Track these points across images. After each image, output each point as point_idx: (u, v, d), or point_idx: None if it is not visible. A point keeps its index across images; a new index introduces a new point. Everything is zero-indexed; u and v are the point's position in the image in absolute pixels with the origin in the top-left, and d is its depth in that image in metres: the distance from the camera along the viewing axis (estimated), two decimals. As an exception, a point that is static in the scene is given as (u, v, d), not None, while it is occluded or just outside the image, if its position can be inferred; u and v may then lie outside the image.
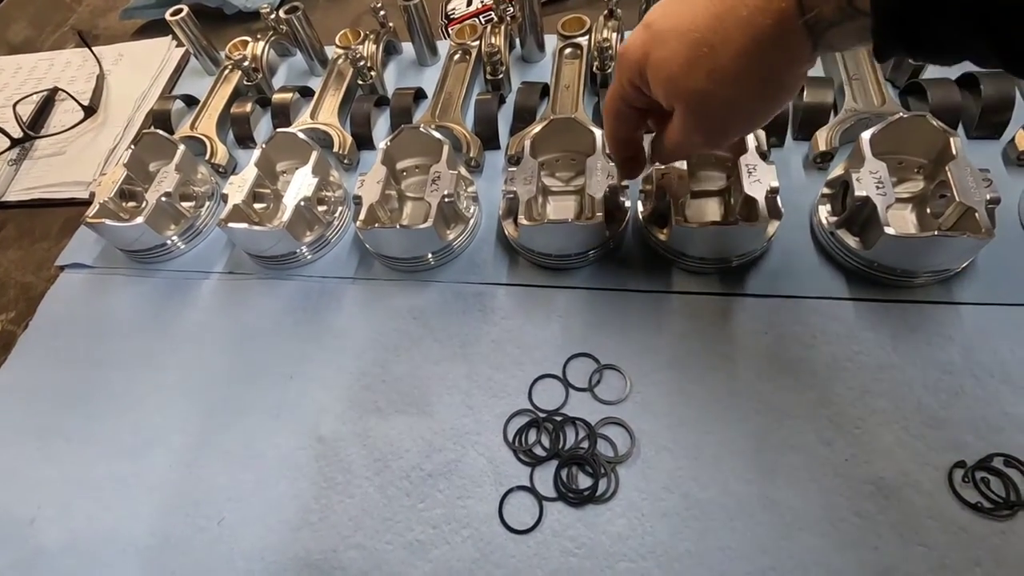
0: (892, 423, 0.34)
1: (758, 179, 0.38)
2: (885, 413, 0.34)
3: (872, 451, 0.33)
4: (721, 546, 0.32)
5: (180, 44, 0.68)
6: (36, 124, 0.64)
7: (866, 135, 0.39)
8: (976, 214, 0.34)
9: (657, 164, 0.41)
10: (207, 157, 0.55)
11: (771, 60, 0.26)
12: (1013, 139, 0.42)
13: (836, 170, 0.41)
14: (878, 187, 0.36)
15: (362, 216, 0.42)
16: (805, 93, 0.46)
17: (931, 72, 0.46)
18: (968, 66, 0.47)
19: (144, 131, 0.52)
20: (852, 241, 0.39)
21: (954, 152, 0.37)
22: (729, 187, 0.42)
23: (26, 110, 0.64)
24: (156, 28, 0.73)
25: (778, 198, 0.38)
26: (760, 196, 0.37)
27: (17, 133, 0.62)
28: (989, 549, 0.30)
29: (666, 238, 0.40)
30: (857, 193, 0.37)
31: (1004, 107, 0.42)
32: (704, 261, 0.40)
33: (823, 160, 0.44)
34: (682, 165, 0.41)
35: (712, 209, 0.43)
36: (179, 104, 0.61)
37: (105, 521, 0.38)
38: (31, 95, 0.66)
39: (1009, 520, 0.30)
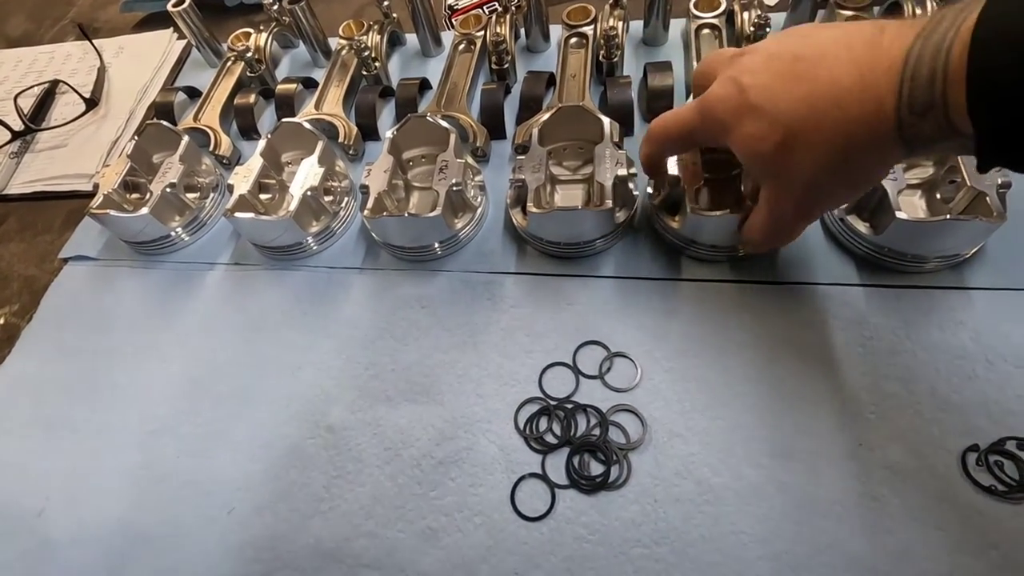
0: (905, 408, 0.34)
1: None
2: (898, 398, 0.34)
3: (886, 436, 0.33)
4: (735, 531, 0.32)
5: (181, 36, 0.68)
6: (37, 117, 0.64)
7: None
8: (987, 198, 0.34)
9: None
10: (211, 148, 0.54)
11: (862, 161, 0.27)
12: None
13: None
14: (889, 172, 0.36)
15: (370, 205, 0.42)
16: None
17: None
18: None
19: (148, 122, 0.52)
20: (862, 227, 0.38)
21: (965, 137, 0.37)
22: (740, 174, 0.42)
23: (27, 103, 0.64)
24: (157, 21, 0.73)
25: None
26: None
27: (18, 126, 0.61)
28: (1004, 532, 0.30)
29: (678, 226, 0.40)
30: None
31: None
32: (716, 249, 0.40)
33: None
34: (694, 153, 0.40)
35: (724, 197, 0.42)
36: (181, 96, 0.61)
37: (113, 512, 0.38)
38: (32, 87, 0.66)
39: (1023, 503, 0.30)
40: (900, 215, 0.35)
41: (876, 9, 0.50)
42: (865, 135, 0.25)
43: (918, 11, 0.46)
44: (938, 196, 0.39)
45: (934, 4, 0.45)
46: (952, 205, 0.37)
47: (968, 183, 0.35)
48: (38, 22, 0.81)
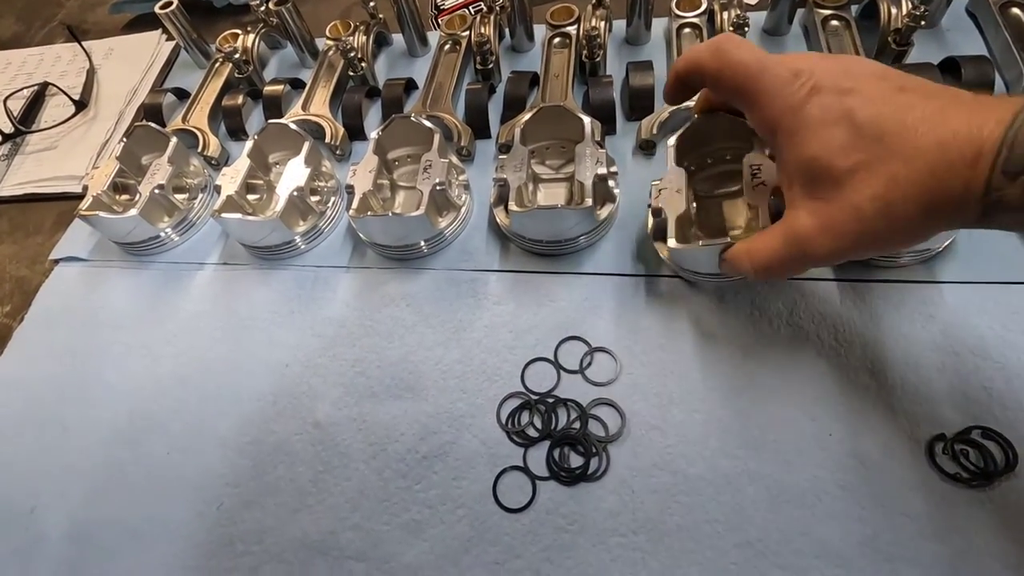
0: (875, 399, 0.35)
1: (763, 181, 0.36)
2: (868, 389, 0.35)
3: (855, 426, 0.34)
4: (709, 519, 0.33)
5: (170, 38, 0.68)
6: (27, 119, 0.64)
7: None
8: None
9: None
10: (199, 149, 0.55)
11: (936, 213, 0.25)
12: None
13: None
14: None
15: (355, 205, 0.43)
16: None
17: (914, 56, 0.47)
18: (950, 50, 0.48)
19: (136, 124, 0.52)
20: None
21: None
22: (723, 198, 0.41)
23: (17, 105, 0.64)
24: (146, 22, 0.73)
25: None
26: (763, 203, 0.35)
27: (8, 128, 0.62)
28: (967, 517, 0.31)
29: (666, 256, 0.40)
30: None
31: (984, 90, 0.43)
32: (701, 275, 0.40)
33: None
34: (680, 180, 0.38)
35: (708, 222, 0.41)
36: (170, 97, 0.62)
37: (104, 508, 0.39)
38: (21, 90, 0.66)
39: (986, 489, 0.31)
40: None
41: (854, 8, 0.51)
42: (954, 186, 0.24)
43: (893, 10, 0.47)
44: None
45: (910, 4, 0.46)
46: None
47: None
48: (28, 23, 0.81)
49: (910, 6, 0.46)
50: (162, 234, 0.50)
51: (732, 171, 0.41)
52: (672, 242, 0.36)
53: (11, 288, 0.52)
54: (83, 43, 0.71)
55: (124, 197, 0.52)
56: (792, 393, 0.36)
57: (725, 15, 0.50)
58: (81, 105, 0.63)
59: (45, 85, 0.67)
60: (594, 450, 0.35)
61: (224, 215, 0.44)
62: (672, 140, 0.40)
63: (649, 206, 0.41)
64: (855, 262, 0.39)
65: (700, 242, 0.36)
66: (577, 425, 0.37)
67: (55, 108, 0.66)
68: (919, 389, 0.35)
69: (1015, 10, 0.48)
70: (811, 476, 0.33)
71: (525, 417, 0.37)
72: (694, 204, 0.40)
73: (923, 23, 0.45)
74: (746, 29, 0.48)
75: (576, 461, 0.36)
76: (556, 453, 0.36)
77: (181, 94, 0.62)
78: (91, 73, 0.67)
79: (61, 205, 0.57)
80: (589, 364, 0.39)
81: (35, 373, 0.46)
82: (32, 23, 0.81)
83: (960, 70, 0.43)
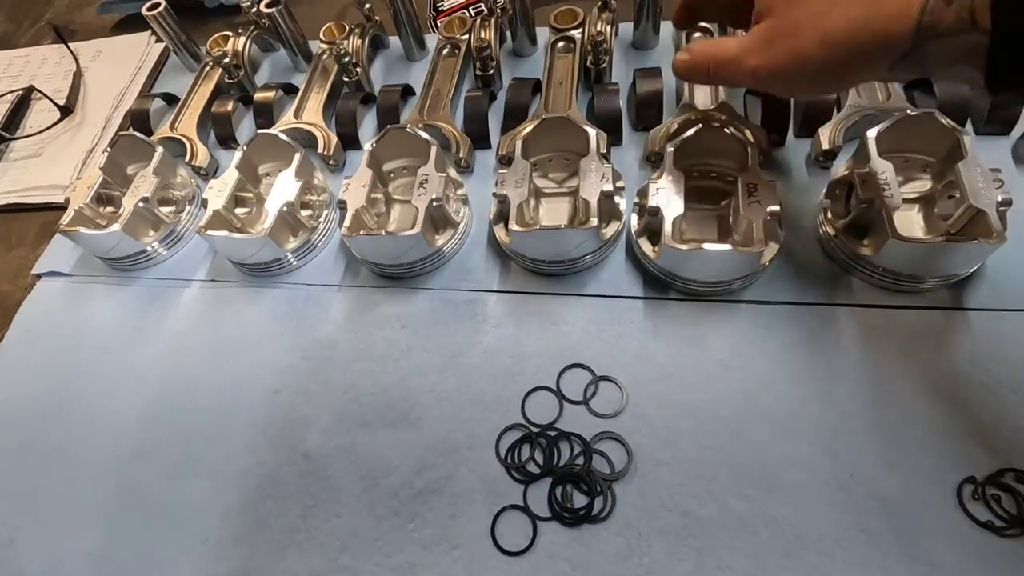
0: (899, 436, 0.33)
1: (758, 200, 0.36)
2: (891, 425, 0.33)
3: (878, 465, 0.32)
4: (721, 566, 0.31)
5: (159, 40, 0.66)
6: (11, 125, 0.62)
7: (872, 133, 0.37)
8: (987, 217, 0.33)
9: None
10: (187, 159, 0.53)
11: (870, 37, 0.26)
12: (1023, 136, 0.40)
13: (840, 169, 0.39)
14: (885, 189, 0.35)
15: (347, 223, 0.41)
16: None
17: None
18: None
19: (120, 133, 0.50)
20: (857, 245, 0.37)
21: (964, 151, 0.35)
22: (728, 206, 0.40)
23: (0, 110, 0.62)
24: (135, 23, 0.71)
25: (779, 221, 0.36)
26: (759, 218, 0.35)
27: (-9, 135, 0.59)
28: (1002, 570, 0.29)
29: (655, 256, 0.38)
30: (862, 195, 0.35)
31: (1014, 102, 0.41)
32: (698, 283, 0.38)
33: (826, 158, 0.42)
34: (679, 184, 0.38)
35: (707, 231, 0.41)
36: (158, 103, 0.59)
37: (86, 541, 0.37)
38: (6, 94, 0.64)
39: (1021, 539, 0.29)
40: (896, 235, 0.33)
41: None
42: (889, 9, 0.25)
43: None
44: (936, 211, 0.37)
45: None
46: (950, 223, 0.35)
47: (968, 200, 0.34)
48: (16, 23, 0.79)
49: None
50: (148, 248, 0.47)
51: (711, 188, 0.41)
52: (669, 240, 0.36)
53: (-8, 304, 0.50)
54: (70, 45, 0.69)
55: (109, 209, 0.50)
56: (809, 428, 0.34)
57: (738, 19, 0.47)
58: (66, 111, 0.61)
59: (30, 89, 0.65)
60: (598, 489, 0.33)
61: (211, 232, 0.42)
62: (673, 145, 0.39)
63: (635, 204, 0.40)
64: (876, 287, 0.37)
65: (704, 245, 0.35)
66: (580, 461, 0.34)
67: (40, 113, 0.63)
68: (946, 425, 0.33)
69: None
70: (830, 520, 0.31)
71: (526, 451, 0.35)
72: None
73: None
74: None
75: (579, 500, 0.33)
76: (558, 491, 0.34)
77: (170, 99, 0.60)
78: (78, 76, 0.65)
79: (45, 216, 0.55)
80: (593, 394, 0.37)
81: (15, 394, 0.44)
82: (20, 22, 0.79)
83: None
